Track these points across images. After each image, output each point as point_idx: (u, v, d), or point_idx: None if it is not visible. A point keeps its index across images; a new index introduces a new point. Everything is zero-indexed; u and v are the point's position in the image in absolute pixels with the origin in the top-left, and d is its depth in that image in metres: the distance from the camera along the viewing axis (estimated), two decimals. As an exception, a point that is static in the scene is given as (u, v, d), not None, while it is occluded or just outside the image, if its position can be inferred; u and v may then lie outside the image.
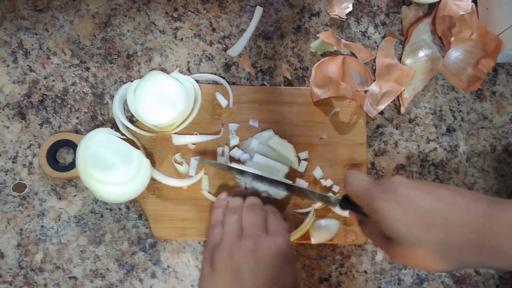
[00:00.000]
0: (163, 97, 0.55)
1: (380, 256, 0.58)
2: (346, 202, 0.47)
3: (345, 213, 0.56)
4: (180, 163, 0.56)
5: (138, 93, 0.55)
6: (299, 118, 0.58)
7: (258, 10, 0.60)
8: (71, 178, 0.56)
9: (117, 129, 0.57)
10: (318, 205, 0.56)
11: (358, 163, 0.57)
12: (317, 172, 0.57)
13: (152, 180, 0.56)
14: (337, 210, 0.55)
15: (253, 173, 0.53)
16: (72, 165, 0.55)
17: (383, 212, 0.40)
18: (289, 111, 0.58)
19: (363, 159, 0.57)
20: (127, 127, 0.57)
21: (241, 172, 0.54)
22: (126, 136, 0.56)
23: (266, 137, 0.56)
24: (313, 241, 0.55)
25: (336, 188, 0.57)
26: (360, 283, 0.57)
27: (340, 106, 0.58)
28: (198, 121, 0.57)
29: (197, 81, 0.58)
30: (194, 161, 0.57)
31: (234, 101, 0.58)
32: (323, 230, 0.55)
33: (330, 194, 0.52)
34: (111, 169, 0.53)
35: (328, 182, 0.57)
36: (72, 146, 0.56)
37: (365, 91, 0.59)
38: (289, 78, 0.60)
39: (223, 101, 0.58)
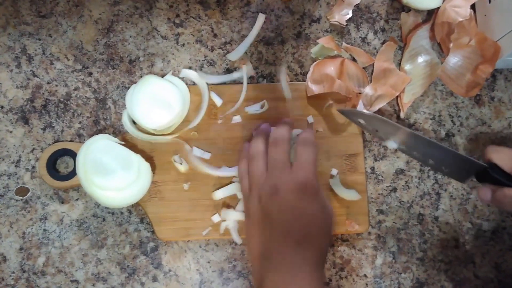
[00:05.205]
0: (159, 100, 0.56)
1: (380, 260, 0.58)
2: (485, 174, 0.50)
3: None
4: (180, 163, 0.57)
5: (135, 97, 0.55)
6: (295, 112, 0.59)
7: (261, 17, 0.61)
8: (72, 186, 0.57)
9: (116, 135, 0.57)
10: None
11: (355, 153, 0.58)
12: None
13: (153, 183, 0.56)
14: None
15: (409, 133, 0.53)
16: (73, 173, 0.56)
17: None
18: (284, 106, 0.59)
19: (360, 149, 0.58)
20: (128, 132, 0.57)
21: (390, 131, 0.55)
22: (125, 142, 0.57)
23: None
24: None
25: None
26: (360, 287, 0.58)
27: (335, 103, 0.59)
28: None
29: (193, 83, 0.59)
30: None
31: (230, 99, 0.59)
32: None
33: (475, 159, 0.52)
34: (111, 174, 0.53)
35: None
36: (71, 154, 0.57)
37: (360, 93, 0.60)
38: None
39: (218, 101, 0.58)
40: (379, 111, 0.60)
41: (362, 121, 0.56)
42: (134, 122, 0.57)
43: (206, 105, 0.58)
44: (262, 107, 0.59)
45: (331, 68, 0.59)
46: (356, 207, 0.57)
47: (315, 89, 0.58)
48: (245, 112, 0.59)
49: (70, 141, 0.58)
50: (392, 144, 0.56)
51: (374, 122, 0.55)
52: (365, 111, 0.56)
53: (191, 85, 0.59)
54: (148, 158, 0.57)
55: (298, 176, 0.48)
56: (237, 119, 0.58)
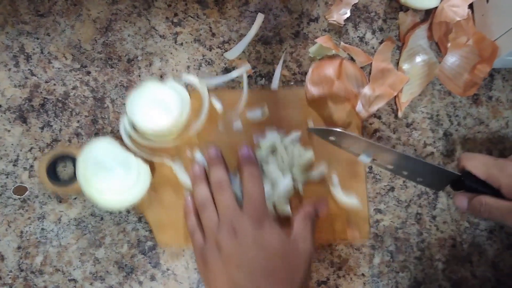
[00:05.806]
0: (159, 105, 0.55)
1: (377, 259, 0.58)
2: (460, 182, 0.51)
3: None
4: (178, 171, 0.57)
5: (135, 103, 0.55)
6: (295, 118, 0.59)
7: (260, 17, 0.61)
8: (72, 192, 0.56)
9: (114, 134, 0.57)
10: None
11: (355, 159, 0.58)
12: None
13: (153, 189, 0.56)
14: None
15: (379, 148, 0.54)
16: (73, 178, 0.55)
17: None
18: (285, 113, 0.59)
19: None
20: (130, 137, 0.57)
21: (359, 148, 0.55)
22: (126, 146, 0.56)
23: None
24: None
25: (334, 192, 0.58)
26: (357, 286, 0.58)
27: (335, 104, 0.59)
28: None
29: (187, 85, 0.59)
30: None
31: (230, 105, 0.58)
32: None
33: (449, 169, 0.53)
34: (112, 177, 0.53)
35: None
36: (71, 159, 0.56)
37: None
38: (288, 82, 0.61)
39: (218, 106, 0.58)
40: (378, 111, 0.60)
41: (333, 138, 0.56)
42: (134, 128, 0.57)
43: (207, 111, 0.58)
44: (262, 112, 0.58)
45: (330, 70, 0.59)
46: (357, 214, 0.57)
47: (314, 91, 0.58)
48: (246, 117, 0.58)
49: (68, 140, 0.58)
50: (364, 159, 0.56)
51: (344, 139, 0.55)
52: (335, 128, 0.55)
53: (191, 88, 0.59)
54: (149, 163, 0.56)
55: (250, 212, 0.50)
56: (237, 124, 0.58)
